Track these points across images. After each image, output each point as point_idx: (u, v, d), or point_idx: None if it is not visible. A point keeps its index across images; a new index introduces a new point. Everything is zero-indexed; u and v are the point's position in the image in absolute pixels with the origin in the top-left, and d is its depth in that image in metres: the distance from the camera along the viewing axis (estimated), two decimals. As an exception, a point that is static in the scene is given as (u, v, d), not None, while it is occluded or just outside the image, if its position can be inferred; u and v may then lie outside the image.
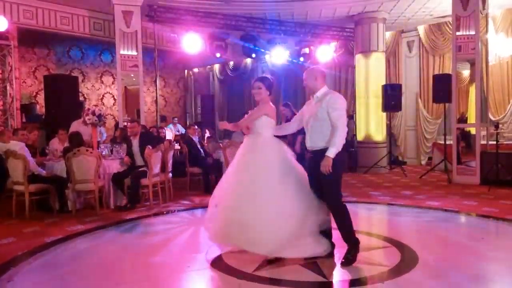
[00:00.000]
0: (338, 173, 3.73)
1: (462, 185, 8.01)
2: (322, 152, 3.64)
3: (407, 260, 3.87)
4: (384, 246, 4.35)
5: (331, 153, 3.57)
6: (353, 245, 3.75)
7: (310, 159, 3.86)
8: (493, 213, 5.72)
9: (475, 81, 8.51)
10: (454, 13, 8.44)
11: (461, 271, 3.63)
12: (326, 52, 11.41)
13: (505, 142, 8.68)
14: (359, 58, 10.74)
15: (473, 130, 10.06)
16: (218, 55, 10.09)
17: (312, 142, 3.79)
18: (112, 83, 13.40)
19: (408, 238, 4.57)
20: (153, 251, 4.36)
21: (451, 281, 3.42)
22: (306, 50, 11.28)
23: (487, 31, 8.89)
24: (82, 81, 12.70)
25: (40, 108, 11.40)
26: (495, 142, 7.70)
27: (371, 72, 10.51)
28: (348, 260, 3.68)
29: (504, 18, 9.90)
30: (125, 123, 9.65)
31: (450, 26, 10.21)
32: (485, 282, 3.51)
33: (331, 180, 3.65)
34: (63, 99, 9.57)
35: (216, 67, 16.81)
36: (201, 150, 8.47)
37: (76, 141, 6.31)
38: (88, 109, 7.18)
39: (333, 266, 3.70)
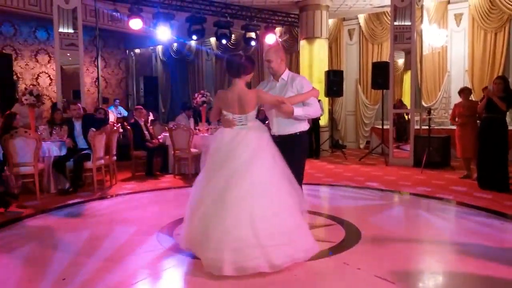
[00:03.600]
0: (302, 157, 3.73)
1: (398, 167, 8.54)
2: (290, 138, 3.61)
3: (350, 235, 4.13)
4: (330, 224, 4.59)
5: (297, 110, 3.45)
6: None
7: (277, 146, 3.57)
8: (425, 192, 6.19)
9: (411, 70, 9.02)
10: (392, 3, 8.86)
11: (400, 242, 3.97)
12: (271, 37, 11.52)
13: (436, 127, 9.32)
14: (303, 44, 10.97)
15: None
16: (162, 35, 9.82)
17: (280, 127, 3.66)
18: (48, 62, 12.68)
19: (351, 216, 4.84)
20: (100, 236, 4.27)
21: (392, 251, 3.74)
22: (252, 34, 11.31)
23: (422, 21, 9.43)
24: (15, 59, 11.90)
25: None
26: (427, 127, 8.25)
27: (314, 58, 10.79)
28: None
29: (437, 10, 10.54)
30: (62, 104, 9.22)
31: (388, 16, 10.72)
32: (421, 250, 3.85)
33: (300, 164, 3.66)
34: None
35: (159, 48, 16.40)
36: (147, 133, 8.33)
37: (8, 123, 6.01)
38: (26, 88, 6.78)
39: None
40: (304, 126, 3.69)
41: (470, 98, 7.26)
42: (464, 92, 7.23)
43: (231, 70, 3.47)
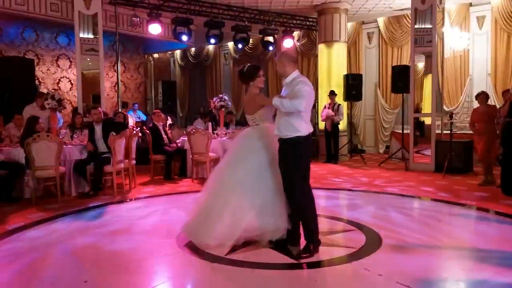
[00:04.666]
0: (299, 162, 3.67)
1: (418, 172, 8.39)
2: (288, 141, 3.63)
3: (371, 241, 4.06)
4: (349, 230, 4.52)
5: (275, 100, 3.62)
6: (313, 245, 3.68)
7: (278, 149, 3.77)
8: (447, 198, 6.06)
9: (432, 73, 8.87)
10: (413, 6, 8.74)
11: (422, 249, 3.88)
12: (289, 41, 11.49)
13: (457, 132, 9.13)
14: (321, 48, 10.91)
15: (427, 120, 10.55)
16: (185, 38, 9.88)
17: (278, 130, 3.71)
18: (69, 67, 12.90)
19: (371, 222, 4.76)
20: (121, 239, 4.30)
21: (414, 257, 3.65)
22: (270, 38, 11.31)
23: (443, 24, 9.28)
24: (37, 64, 12.11)
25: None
26: (449, 132, 8.09)
27: (333, 62, 10.71)
28: (303, 257, 3.58)
29: (459, 12, 10.36)
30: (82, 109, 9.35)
31: (408, 18, 10.59)
32: (444, 257, 3.75)
33: (290, 169, 3.64)
34: (18, 83, 9.11)
35: (177, 53, 16.54)
36: (165, 137, 8.38)
37: (30, 127, 6.14)
38: (42, 93, 6.91)
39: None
40: (300, 131, 3.63)
41: (488, 103, 7.12)
42: (480, 97, 7.08)
43: (240, 79, 4.15)
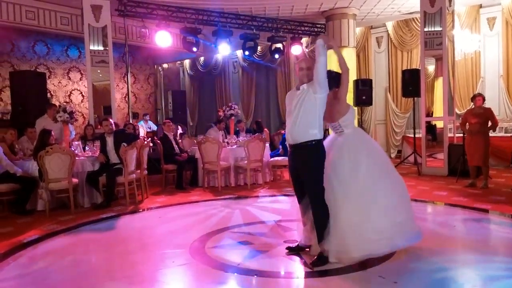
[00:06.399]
0: (320, 166, 3.61)
1: (431, 176, 8.29)
2: (303, 148, 3.57)
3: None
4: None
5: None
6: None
7: (291, 155, 3.75)
8: (461, 202, 5.97)
9: (443, 76, 8.80)
10: (422, 9, 8.69)
11: (437, 255, 3.80)
12: (297, 48, 11.50)
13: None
14: (330, 54, 10.84)
15: (439, 124, 10.45)
16: (195, 49, 9.95)
17: (293, 136, 3.63)
18: (80, 79, 13.06)
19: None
20: (134, 249, 4.31)
21: (429, 263, 3.59)
22: (279, 45, 11.32)
23: (453, 27, 9.22)
24: (49, 77, 12.29)
25: (5, 105, 11.00)
26: (461, 135, 7.98)
27: (342, 67, 10.66)
28: (317, 264, 3.54)
29: (469, 14, 10.28)
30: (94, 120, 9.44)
31: (417, 22, 10.54)
32: (459, 262, 3.69)
33: (314, 172, 3.59)
34: (30, 96, 9.24)
35: (186, 62, 16.66)
36: (176, 146, 8.41)
37: (43, 140, 6.21)
38: (52, 104, 6.99)
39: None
40: (313, 136, 3.58)
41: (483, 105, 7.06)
42: (477, 98, 7.01)
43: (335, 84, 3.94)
